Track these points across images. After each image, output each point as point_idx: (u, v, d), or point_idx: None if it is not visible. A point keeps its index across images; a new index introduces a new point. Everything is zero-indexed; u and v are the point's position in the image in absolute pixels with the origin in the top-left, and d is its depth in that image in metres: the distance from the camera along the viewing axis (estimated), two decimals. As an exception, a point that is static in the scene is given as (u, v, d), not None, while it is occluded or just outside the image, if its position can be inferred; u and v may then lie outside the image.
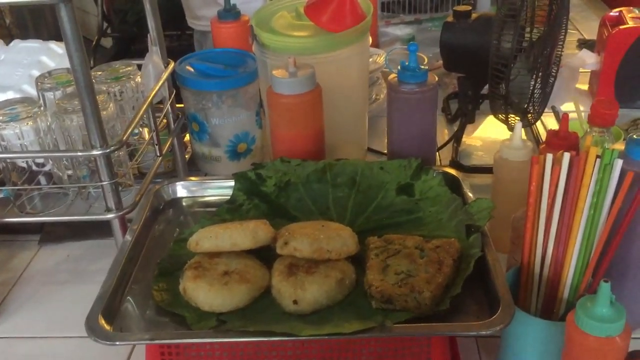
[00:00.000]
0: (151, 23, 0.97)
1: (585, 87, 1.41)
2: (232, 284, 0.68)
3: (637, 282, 0.77)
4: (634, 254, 0.75)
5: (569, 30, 1.77)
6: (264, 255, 0.73)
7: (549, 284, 0.71)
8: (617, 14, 1.31)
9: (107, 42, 2.36)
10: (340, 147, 1.09)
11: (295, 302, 0.66)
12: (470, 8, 1.14)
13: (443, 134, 1.26)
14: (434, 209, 0.81)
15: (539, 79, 1.09)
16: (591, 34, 1.60)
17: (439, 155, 1.18)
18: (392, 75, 0.95)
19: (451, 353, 0.75)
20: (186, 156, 1.15)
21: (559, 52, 1.19)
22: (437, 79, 0.94)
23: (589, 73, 1.40)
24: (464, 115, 1.20)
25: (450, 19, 1.15)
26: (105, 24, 2.39)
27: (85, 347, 0.80)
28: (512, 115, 1.12)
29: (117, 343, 0.63)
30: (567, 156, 0.69)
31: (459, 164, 1.14)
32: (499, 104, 1.08)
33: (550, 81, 1.17)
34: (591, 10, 1.92)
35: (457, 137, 1.19)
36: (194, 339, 0.64)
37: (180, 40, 1.98)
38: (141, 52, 1.06)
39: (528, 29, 1.08)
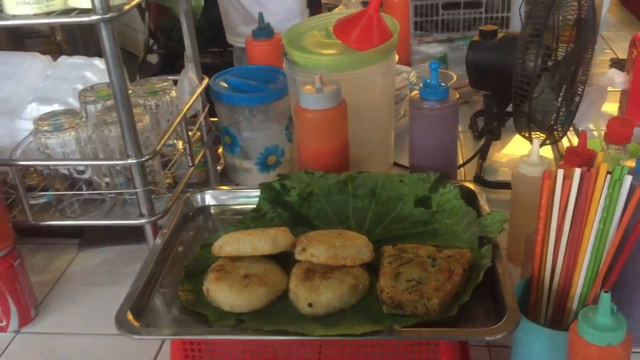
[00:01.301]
0: (187, 41, 1.03)
1: (615, 106, 1.41)
2: (251, 287, 0.72)
3: (648, 299, 0.78)
4: (645, 270, 0.76)
5: (603, 50, 1.78)
6: (284, 261, 0.77)
7: (559, 295, 0.73)
8: (651, 32, 1.32)
9: (153, 58, 2.47)
10: (366, 161, 1.12)
11: (310, 304, 0.70)
12: (496, 28, 1.17)
13: (469, 150, 1.28)
14: (449, 221, 0.84)
15: (562, 97, 1.10)
16: (625, 53, 1.60)
17: (464, 170, 1.20)
18: (415, 92, 0.98)
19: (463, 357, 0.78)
20: (219, 168, 1.20)
21: (586, 71, 1.20)
22: (458, 96, 0.97)
23: (619, 92, 1.40)
24: (490, 132, 1.22)
25: (476, 38, 1.18)
26: (151, 41, 2.50)
27: (118, 344, 0.85)
28: (537, 133, 1.14)
29: (143, 337, 0.68)
30: (577, 172, 0.71)
31: (483, 179, 1.16)
32: (522, 122, 1.10)
33: (576, 100, 1.19)
34: (627, 29, 1.91)
35: (482, 153, 1.22)
36: (214, 336, 0.68)
37: (222, 57, 2.06)
38: (180, 70, 1.12)
39: (553, 48, 1.10)
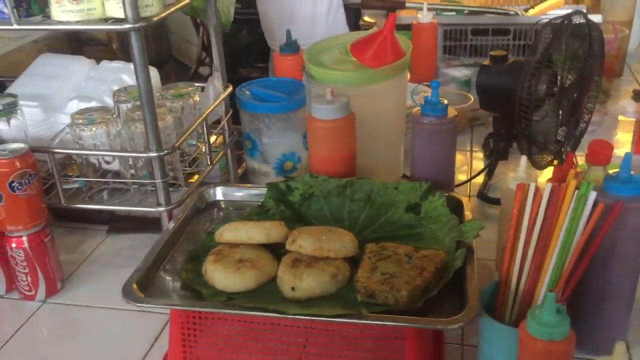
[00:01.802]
0: (215, 52, 1.14)
1: (630, 135, 1.45)
2: (243, 270, 0.81)
3: (615, 309, 0.83)
4: (611, 281, 0.81)
5: (629, 81, 1.81)
6: (278, 251, 0.86)
7: (524, 297, 0.79)
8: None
9: (205, 71, 2.63)
10: (375, 171, 1.19)
11: (293, 289, 0.78)
12: (506, 53, 1.23)
13: (480, 167, 1.34)
14: (434, 227, 0.91)
15: (563, 122, 1.16)
16: (649, 84, 1.64)
17: (469, 185, 1.26)
18: (416, 109, 1.06)
19: (435, 355, 0.84)
20: (240, 171, 1.30)
21: (593, 99, 1.25)
22: (456, 113, 1.04)
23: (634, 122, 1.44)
24: (497, 151, 1.28)
25: (487, 62, 1.25)
26: (204, 54, 2.66)
27: (131, 317, 0.96)
28: (543, 156, 1.20)
29: (144, 305, 0.78)
30: (548, 186, 0.78)
31: (485, 196, 1.22)
32: (523, 143, 1.16)
33: (581, 125, 1.24)
34: (653, 61, 1.94)
35: (488, 171, 1.28)
36: (205, 309, 0.77)
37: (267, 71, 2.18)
38: (232, 82, 1.23)
39: (560, 75, 1.16)
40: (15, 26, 0.87)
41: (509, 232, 0.79)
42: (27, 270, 0.98)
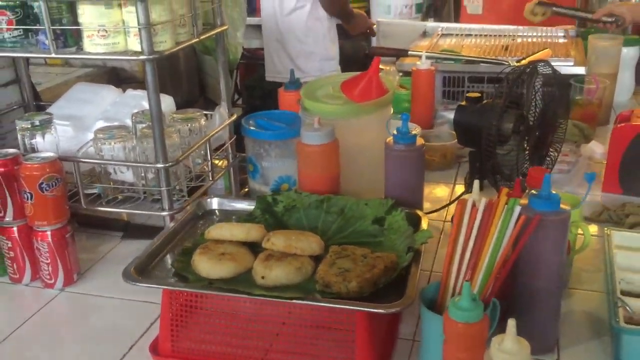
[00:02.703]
0: (222, 85, 1.32)
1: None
2: (224, 261, 0.96)
3: (543, 312, 0.95)
4: (539, 286, 0.94)
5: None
6: (258, 250, 1.01)
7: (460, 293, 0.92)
8: (629, 113, 1.49)
9: (237, 112, 2.86)
10: (359, 194, 1.34)
11: (263, 277, 0.93)
12: (481, 95, 1.38)
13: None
14: (393, 237, 1.05)
15: (526, 157, 1.30)
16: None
17: (448, 209, 1.40)
18: (389, 138, 1.21)
19: (386, 345, 0.97)
20: (245, 191, 1.47)
21: (560, 138, 1.39)
22: (423, 142, 1.19)
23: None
24: (472, 182, 1.42)
25: (463, 103, 1.40)
26: (236, 96, 2.88)
27: (137, 306, 1.11)
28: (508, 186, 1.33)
29: (138, 284, 0.93)
30: (483, 201, 0.92)
31: (457, 221, 1.35)
32: (488, 174, 1.30)
33: (547, 161, 1.38)
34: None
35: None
36: (189, 289, 0.93)
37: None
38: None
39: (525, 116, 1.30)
40: (53, 55, 1.07)
41: (449, 240, 0.93)
42: (49, 261, 1.15)
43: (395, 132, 1.21)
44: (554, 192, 0.92)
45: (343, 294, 0.90)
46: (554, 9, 2.22)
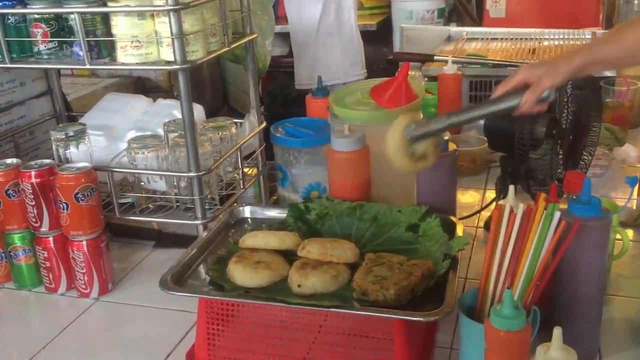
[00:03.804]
0: (252, 93, 1.32)
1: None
2: (259, 269, 0.96)
3: (585, 319, 0.93)
4: (580, 293, 0.92)
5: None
6: (293, 258, 1.00)
7: (499, 301, 0.91)
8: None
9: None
10: (390, 200, 1.33)
11: (299, 285, 0.93)
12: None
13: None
14: (429, 243, 1.04)
15: (560, 161, 1.28)
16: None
17: (479, 215, 1.38)
18: (421, 143, 1.20)
19: (424, 354, 0.96)
20: (272, 199, 1.47)
21: (593, 142, 1.37)
22: (456, 148, 1.18)
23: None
24: (503, 187, 1.40)
25: (494, 106, 1.38)
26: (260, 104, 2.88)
27: (169, 314, 1.12)
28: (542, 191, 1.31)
29: (175, 293, 0.93)
30: (521, 206, 0.91)
31: (489, 226, 1.33)
32: (521, 179, 1.28)
33: (581, 165, 1.36)
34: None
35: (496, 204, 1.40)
36: (225, 298, 0.93)
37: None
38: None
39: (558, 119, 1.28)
40: (87, 66, 1.09)
41: (487, 246, 0.92)
42: (84, 271, 1.16)
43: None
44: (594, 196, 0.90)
45: (380, 302, 0.89)
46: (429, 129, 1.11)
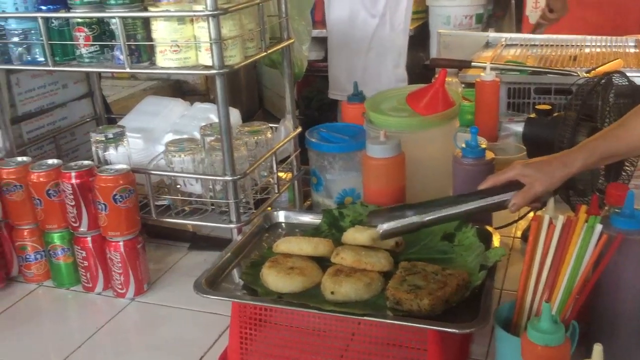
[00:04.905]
0: (287, 98, 1.33)
1: (682, 190, 1.49)
2: (293, 275, 0.96)
3: (626, 336, 0.91)
4: (622, 309, 0.90)
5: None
6: (326, 265, 1.00)
7: (537, 314, 0.89)
8: None
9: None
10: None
11: (332, 292, 0.93)
12: (551, 107, 1.34)
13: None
14: (464, 253, 1.03)
15: (601, 172, 1.25)
16: None
17: (516, 225, 1.36)
18: (458, 151, 1.19)
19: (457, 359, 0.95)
20: (306, 204, 1.47)
21: (636, 152, 1.33)
22: (494, 156, 1.16)
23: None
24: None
25: (533, 115, 1.36)
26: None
27: (203, 317, 1.12)
28: (583, 202, 1.28)
29: (210, 297, 0.94)
30: (561, 218, 0.89)
31: (527, 236, 1.31)
32: (561, 190, 1.26)
33: (623, 176, 1.32)
34: None
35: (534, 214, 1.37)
36: (258, 303, 0.93)
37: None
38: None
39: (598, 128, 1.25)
40: (127, 69, 1.10)
41: (525, 258, 0.90)
42: (121, 271, 1.17)
43: (463, 145, 1.19)
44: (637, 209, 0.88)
45: (414, 312, 0.88)
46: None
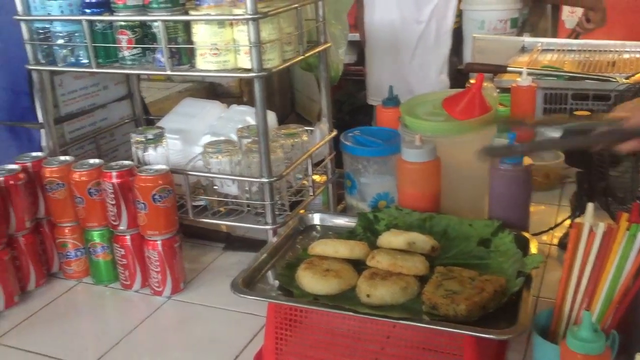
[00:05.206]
0: (323, 101, 1.34)
1: None
2: (328, 277, 0.96)
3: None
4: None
5: None
6: (361, 268, 1.00)
7: (576, 323, 0.88)
8: None
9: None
10: (459, 212, 1.31)
11: (368, 295, 0.93)
12: (590, 114, 1.32)
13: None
14: (501, 259, 1.02)
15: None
16: None
17: (552, 233, 1.34)
18: (495, 156, 1.18)
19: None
20: (340, 207, 1.47)
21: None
22: (532, 162, 1.15)
23: None
24: (580, 205, 1.36)
25: (572, 121, 1.34)
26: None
27: (237, 316, 1.14)
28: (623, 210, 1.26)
29: (247, 297, 0.95)
30: (601, 226, 0.88)
31: (564, 243, 1.29)
32: (599, 196, 1.24)
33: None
34: None
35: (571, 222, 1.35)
36: (294, 304, 0.94)
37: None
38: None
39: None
40: (168, 72, 1.12)
41: (564, 265, 0.90)
42: (158, 270, 1.19)
43: (501, 150, 1.18)
44: (681, 218, 0.86)
45: (450, 317, 0.88)
46: None
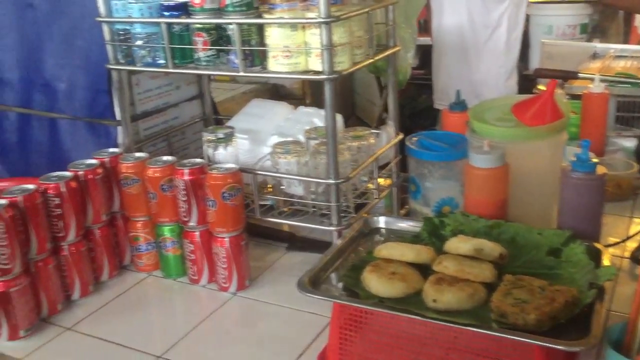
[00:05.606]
0: (390, 105, 1.34)
1: None
2: (394, 280, 0.97)
3: None
4: None
5: None
6: (427, 272, 1.00)
7: (651, 338, 0.85)
8: None
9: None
10: (527, 220, 1.28)
11: (434, 300, 0.93)
12: (670, 122, 1.28)
13: None
14: (572, 270, 1.00)
15: None
16: None
17: (625, 244, 1.30)
18: (567, 164, 1.15)
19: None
20: (403, 211, 1.47)
21: None
22: (605, 171, 1.12)
23: None
24: (655, 217, 1.31)
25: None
26: (385, 114, 2.91)
27: (301, 316, 1.15)
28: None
29: (312, 296, 0.96)
30: (682, 238, 0.85)
31: (637, 259, 1.25)
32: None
33: None
34: None
35: (644, 235, 1.31)
36: (360, 305, 0.94)
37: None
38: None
39: None
40: (241, 73, 1.15)
41: (639, 277, 0.87)
42: (225, 266, 1.22)
43: (573, 158, 1.15)
44: None
45: (519, 326, 0.86)
46: None
